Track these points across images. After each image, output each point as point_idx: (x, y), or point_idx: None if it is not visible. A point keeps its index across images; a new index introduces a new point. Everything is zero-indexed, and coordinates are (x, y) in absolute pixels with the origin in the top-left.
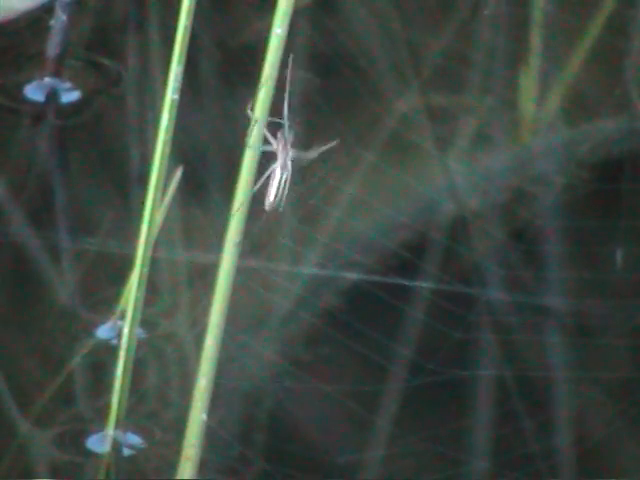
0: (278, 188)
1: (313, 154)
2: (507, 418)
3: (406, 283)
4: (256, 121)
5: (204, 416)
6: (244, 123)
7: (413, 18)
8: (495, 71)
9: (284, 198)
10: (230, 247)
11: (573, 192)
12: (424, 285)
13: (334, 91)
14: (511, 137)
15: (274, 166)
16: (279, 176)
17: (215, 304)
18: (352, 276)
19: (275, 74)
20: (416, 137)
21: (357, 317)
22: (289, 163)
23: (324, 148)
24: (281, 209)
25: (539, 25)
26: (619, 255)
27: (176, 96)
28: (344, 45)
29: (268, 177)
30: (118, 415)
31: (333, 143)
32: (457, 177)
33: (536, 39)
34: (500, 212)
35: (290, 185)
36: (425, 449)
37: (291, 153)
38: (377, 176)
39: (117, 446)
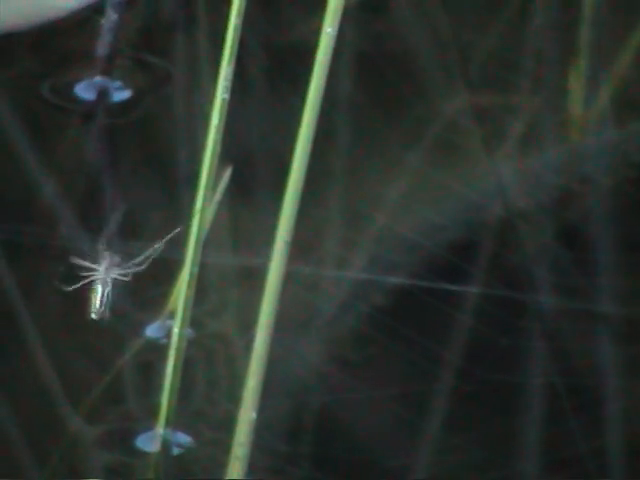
0: (102, 299)
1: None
2: (555, 419)
3: (453, 288)
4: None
5: (254, 415)
6: (292, 123)
7: (460, 19)
8: (543, 72)
9: (108, 308)
10: (280, 246)
11: (622, 193)
12: (471, 289)
13: (380, 92)
14: (560, 138)
15: (95, 279)
16: (101, 290)
17: (264, 303)
18: (398, 279)
19: (325, 74)
20: (463, 138)
21: (404, 320)
22: (109, 280)
23: (148, 255)
24: (107, 317)
25: (587, 25)
26: None
27: (226, 95)
28: (391, 46)
29: (90, 285)
30: (167, 414)
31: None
32: (505, 178)
33: (584, 39)
34: (549, 214)
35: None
36: (473, 452)
37: (114, 271)
38: (424, 178)
39: (166, 445)
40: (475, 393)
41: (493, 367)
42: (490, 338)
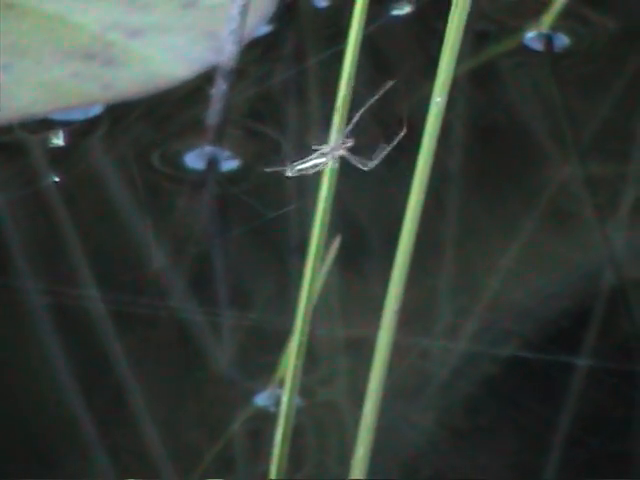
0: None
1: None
2: None
3: (565, 358)
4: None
5: None
6: (402, 192)
7: (571, 86)
8: None
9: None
10: (389, 315)
11: None
12: (583, 359)
13: (491, 161)
14: None
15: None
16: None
17: (373, 372)
18: (509, 349)
19: (434, 145)
20: (576, 207)
21: (515, 389)
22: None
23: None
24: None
25: None
26: None
27: (335, 165)
28: (501, 114)
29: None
30: None
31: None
32: (617, 247)
33: None
34: None
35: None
36: None
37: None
38: (536, 245)
39: None
40: (589, 463)
41: (607, 437)
42: (603, 408)
